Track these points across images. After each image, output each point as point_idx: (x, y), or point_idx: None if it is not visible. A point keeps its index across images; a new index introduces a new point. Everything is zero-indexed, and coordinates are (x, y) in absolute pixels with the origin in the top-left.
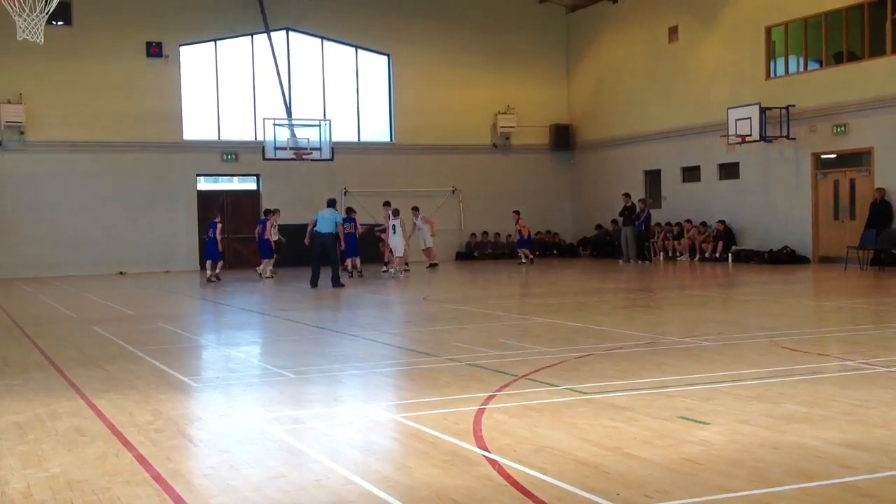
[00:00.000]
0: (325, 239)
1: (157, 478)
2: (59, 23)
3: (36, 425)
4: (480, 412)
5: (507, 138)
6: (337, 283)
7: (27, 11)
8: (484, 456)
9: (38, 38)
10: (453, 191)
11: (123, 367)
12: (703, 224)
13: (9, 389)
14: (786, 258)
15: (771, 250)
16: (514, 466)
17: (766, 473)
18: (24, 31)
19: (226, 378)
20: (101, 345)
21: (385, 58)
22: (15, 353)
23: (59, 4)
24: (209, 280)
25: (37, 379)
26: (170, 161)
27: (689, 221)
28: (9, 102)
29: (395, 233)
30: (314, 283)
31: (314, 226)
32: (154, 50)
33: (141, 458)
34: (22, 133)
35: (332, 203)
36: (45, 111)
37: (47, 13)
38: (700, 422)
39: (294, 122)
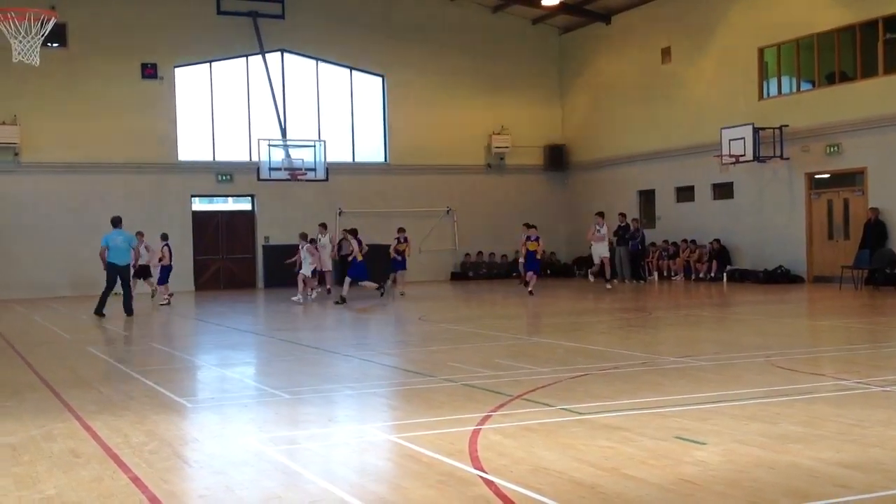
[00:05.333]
0: (121, 271)
1: (153, 500)
2: (55, 45)
3: (30, 447)
4: (476, 432)
5: (502, 159)
6: (129, 310)
7: (23, 34)
8: (480, 476)
9: (33, 60)
10: (448, 211)
11: (117, 387)
12: (693, 242)
13: (2, 411)
14: (780, 278)
15: (765, 270)
16: (510, 487)
17: (762, 493)
18: (19, 54)
19: (220, 399)
20: (95, 365)
21: (379, 79)
22: (9, 374)
23: (54, 26)
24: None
25: (31, 400)
26: (165, 182)
27: (685, 241)
28: (3, 124)
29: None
30: (99, 311)
31: (106, 252)
32: (149, 71)
33: (136, 480)
34: (16, 154)
35: (117, 222)
36: (40, 132)
37: (43, 35)
38: (696, 442)
39: (289, 142)
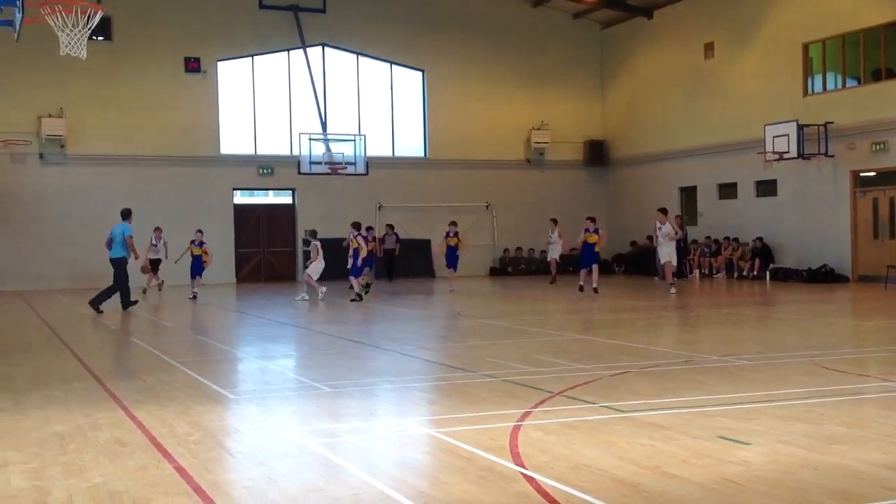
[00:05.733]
0: (117, 263)
1: (197, 489)
2: (100, 38)
3: (77, 436)
4: (516, 428)
5: (541, 154)
6: (95, 302)
7: (70, 27)
8: (521, 473)
9: (80, 53)
10: (487, 206)
11: (162, 378)
12: (736, 240)
13: (50, 400)
14: (824, 277)
15: (809, 268)
16: (551, 484)
17: (807, 495)
18: (66, 47)
19: (262, 390)
20: (140, 356)
21: (420, 73)
22: (56, 364)
23: (99, 20)
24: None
25: (77, 390)
26: (207, 175)
27: (727, 239)
28: (50, 116)
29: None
30: (126, 305)
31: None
32: (192, 65)
33: (181, 470)
34: (62, 146)
35: (125, 215)
36: (86, 125)
37: (90, 29)
38: (739, 441)
39: (329, 136)
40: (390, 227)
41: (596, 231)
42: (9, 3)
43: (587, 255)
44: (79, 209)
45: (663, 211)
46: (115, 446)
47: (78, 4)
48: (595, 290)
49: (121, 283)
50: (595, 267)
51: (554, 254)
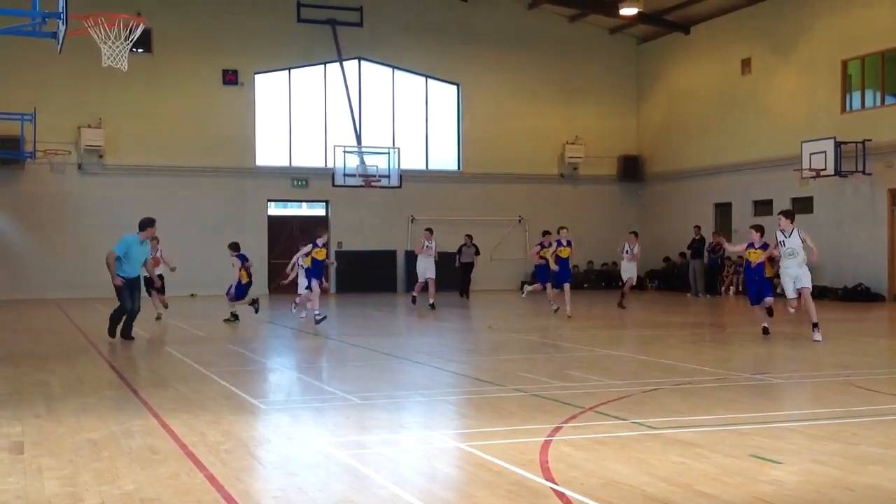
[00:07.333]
0: (134, 283)
1: (228, 498)
2: (140, 50)
3: (110, 443)
4: (547, 443)
5: (575, 168)
6: (129, 334)
7: (112, 39)
8: (551, 488)
9: (122, 65)
10: (519, 220)
11: (194, 387)
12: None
13: (84, 407)
14: (860, 296)
15: (845, 287)
16: (581, 499)
17: None
18: (108, 59)
19: (293, 401)
20: (173, 365)
21: (454, 87)
22: (90, 372)
23: (140, 32)
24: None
25: (111, 397)
26: (242, 186)
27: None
28: (89, 127)
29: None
30: (127, 334)
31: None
32: (230, 77)
33: (212, 479)
34: (101, 157)
35: (144, 224)
36: (124, 136)
37: (132, 41)
38: (772, 460)
39: (364, 149)
40: (469, 237)
41: (764, 247)
42: (53, 16)
43: (755, 282)
44: (116, 219)
45: (788, 215)
46: (147, 454)
47: (121, 17)
48: (769, 310)
49: (120, 304)
50: (769, 300)
51: (630, 273)
